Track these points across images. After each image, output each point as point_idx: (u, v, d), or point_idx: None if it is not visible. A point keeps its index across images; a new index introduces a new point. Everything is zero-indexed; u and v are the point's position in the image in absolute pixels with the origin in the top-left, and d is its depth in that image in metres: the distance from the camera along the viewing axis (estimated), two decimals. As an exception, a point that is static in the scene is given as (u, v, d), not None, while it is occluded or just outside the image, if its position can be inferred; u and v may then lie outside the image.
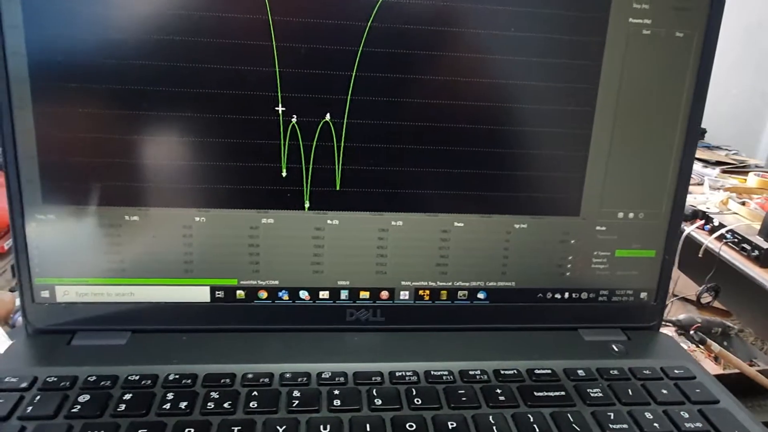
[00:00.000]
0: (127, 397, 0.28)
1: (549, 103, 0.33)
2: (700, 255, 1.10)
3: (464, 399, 0.29)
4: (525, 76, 0.33)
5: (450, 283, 0.36)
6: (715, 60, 0.33)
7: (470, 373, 0.31)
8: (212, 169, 0.32)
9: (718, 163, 1.53)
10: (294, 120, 0.32)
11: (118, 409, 0.27)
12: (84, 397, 0.28)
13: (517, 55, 0.32)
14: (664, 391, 0.31)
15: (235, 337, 0.34)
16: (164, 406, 0.27)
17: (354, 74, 0.32)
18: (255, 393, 0.29)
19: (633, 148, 0.34)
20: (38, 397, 0.28)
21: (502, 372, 0.32)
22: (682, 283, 1.22)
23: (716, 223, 1.10)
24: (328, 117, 0.32)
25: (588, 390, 0.31)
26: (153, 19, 0.30)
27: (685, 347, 0.96)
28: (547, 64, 0.33)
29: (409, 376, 0.31)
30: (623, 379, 0.32)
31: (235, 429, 0.26)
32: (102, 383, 0.29)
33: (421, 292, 0.36)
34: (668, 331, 1.01)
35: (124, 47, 0.30)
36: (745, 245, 1.02)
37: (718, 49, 0.33)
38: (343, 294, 0.35)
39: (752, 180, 1.33)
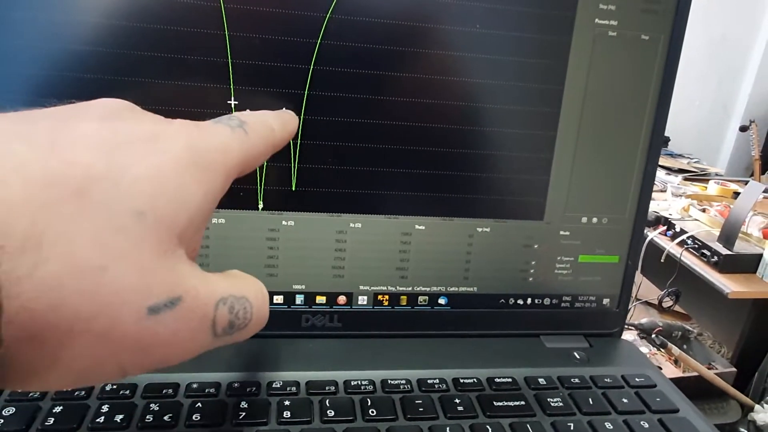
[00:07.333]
0: (57, 410, 0.26)
1: (513, 103, 0.32)
2: (662, 260, 1.12)
3: (421, 410, 0.28)
4: (489, 74, 0.32)
5: (410, 288, 0.35)
6: (680, 72, 0.33)
7: (429, 381, 0.30)
8: (159, 165, 0.30)
9: (681, 171, 1.57)
10: (248, 115, 0.30)
11: (47, 423, 0.25)
12: (9, 410, 0.25)
13: (481, 53, 0.31)
14: (625, 400, 0.30)
15: (181, 343, 0.32)
16: (98, 420, 0.25)
17: (312, 68, 0.30)
18: (199, 404, 0.27)
19: (598, 151, 0.34)
20: (-45, 411, 0.25)
21: (462, 380, 0.31)
22: (644, 288, 1.25)
23: (678, 229, 1.13)
24: (284, 112, 0.30)
25: (548, 399, 0.30)
26: (100, 3, 0.28)
27: (647, 350, 0.97)
28: (512, 63, 0.32)
29: (365, 385, 0.30)
30: (584, 388, 0.31)
31: (175, 444, 0.25)
32: (30, 395, 0.26)
33: (380, 297, 0.34)
34: (630, 334, 1.03)
35: (67, 32, 0.28)
36: (705, 251, 1.05)
37: (682, 62, 0.33)
38: (299, 298, 0.34)
39: (713, 188, 1.37)
